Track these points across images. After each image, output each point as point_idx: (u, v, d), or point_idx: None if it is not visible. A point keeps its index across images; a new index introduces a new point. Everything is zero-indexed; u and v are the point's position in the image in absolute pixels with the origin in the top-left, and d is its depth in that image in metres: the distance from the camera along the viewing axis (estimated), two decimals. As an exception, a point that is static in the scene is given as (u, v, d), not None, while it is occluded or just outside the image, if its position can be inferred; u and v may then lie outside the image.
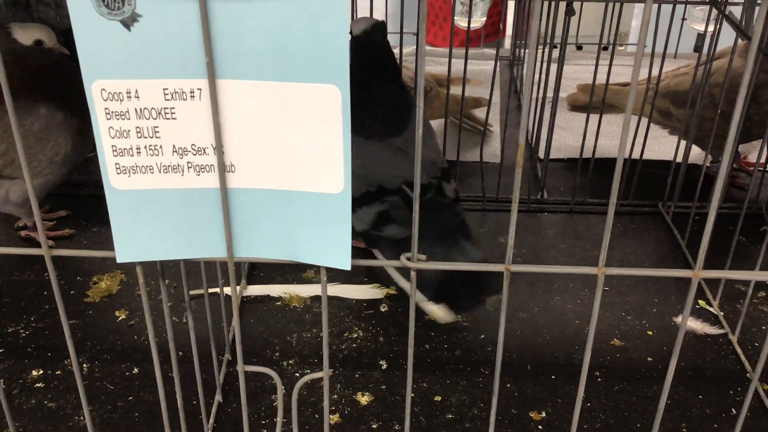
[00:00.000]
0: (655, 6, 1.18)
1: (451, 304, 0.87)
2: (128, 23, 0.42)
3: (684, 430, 0.78)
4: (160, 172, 0.47)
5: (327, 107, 0.45)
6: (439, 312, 0.87)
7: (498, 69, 1.28)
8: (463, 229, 0.87)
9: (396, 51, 1.20)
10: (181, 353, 0.84)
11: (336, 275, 1.01)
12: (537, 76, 1.20)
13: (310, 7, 0.42)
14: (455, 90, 1.18)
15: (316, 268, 1.02)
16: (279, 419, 0.61)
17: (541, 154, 1.23)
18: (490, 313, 0.94)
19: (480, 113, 1.37)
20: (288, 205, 0.49)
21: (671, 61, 1.36)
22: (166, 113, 0.45)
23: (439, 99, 1.25)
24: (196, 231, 0.50)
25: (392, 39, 1.18)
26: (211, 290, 0.86)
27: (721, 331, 0.90)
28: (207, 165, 0.47)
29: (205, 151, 0.47)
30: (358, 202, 0.89)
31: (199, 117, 0.45)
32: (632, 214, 1.16)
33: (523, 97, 1.53)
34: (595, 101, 1.20)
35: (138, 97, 0.45)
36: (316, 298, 0.96)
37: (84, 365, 0.84)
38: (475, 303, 0.89)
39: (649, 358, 0.87)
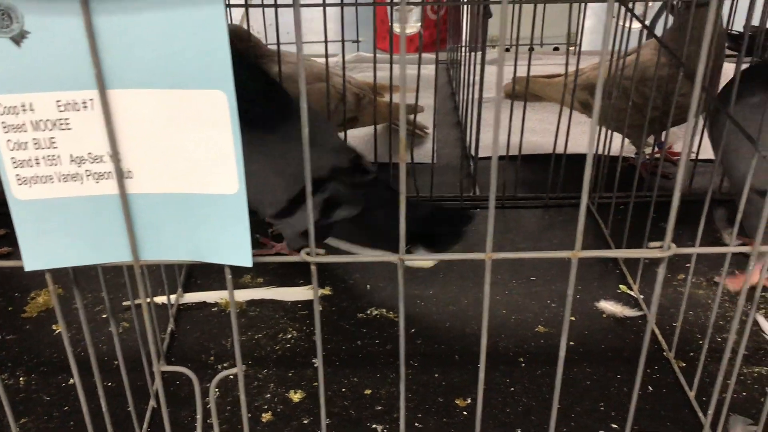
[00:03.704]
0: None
1: (433, 242, 0.90)
2: (17, 40, 0.45)
3: (602, 408, 0.81)
4: (59, 181, 0.49)
5: (215, 112, 0.48)
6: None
7: (437, 73, 1.32)
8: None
9: (337, 59, 1.24)
10: (116, 362, 0.87)
11: (272, 278, 1.03)
12: (472, 77, 1.24)
13: (190, 19, 0.44)
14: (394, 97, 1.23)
15: (252, 273, 1.04)
16: (199, 417, 0.63)
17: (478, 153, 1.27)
18: (421, 308, 0.97)
19: (415, 117, 1.41)
20: (188, 207, 0.51)
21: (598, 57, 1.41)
22: (60, 124, 0.48)
23: (372, 106, 1.28)
24: (101, 236, 0.52)
25: (334, 47, 1.22)
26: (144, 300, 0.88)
27: (640, 313, 0.94)
28: (105, 172, 0.49)
29: (102, 159, 0.49)
30: (297, 201, 0.91)
31: (93, 126, 0.48)
32: (560, 206, 1.20)
33: (459, 99, 1.57)
34: (522, 91, 1.25)
35: (33, 110, 0.47)
36: (252, 302, 0.99)
37: (21, 378, 0.86)
38: (455, 237, 0.93)
39: (572, 342, 0.91)
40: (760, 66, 0.90)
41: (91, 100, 0.47)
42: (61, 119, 0.47)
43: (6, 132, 0.48)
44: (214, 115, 0.48)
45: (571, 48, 2.40)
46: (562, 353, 0.58)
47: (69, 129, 0.48)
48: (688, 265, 0.85)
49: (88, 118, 0.47)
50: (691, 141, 0.50)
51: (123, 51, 0.45)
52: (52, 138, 0.48)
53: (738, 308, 0.61)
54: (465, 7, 1.62)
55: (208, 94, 0.47)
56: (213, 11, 0.44)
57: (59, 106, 0.47)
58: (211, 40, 0.45)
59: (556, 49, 2.18)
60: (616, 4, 1.11)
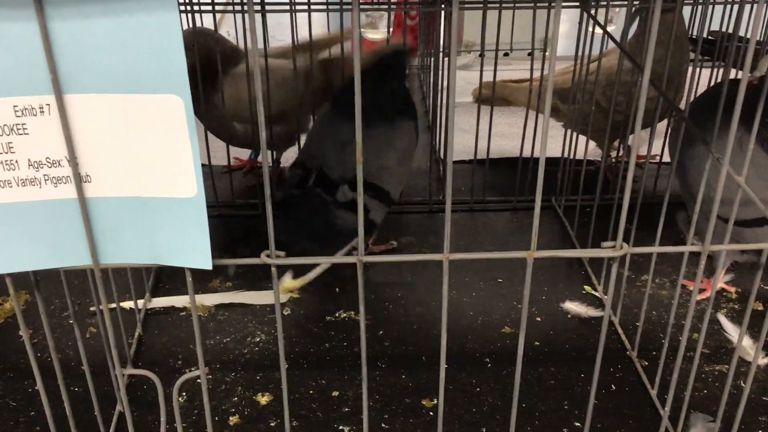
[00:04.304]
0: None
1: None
2: (-27, 46, 0.45)
3: (566, 406, 0.82)
4: (18, 185, 0.50)
5: (172, 116, 0.48)
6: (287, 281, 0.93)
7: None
8: (319, 225, 0.95)
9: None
10: (83, 367, 0.86)
11: (241, 282, 1.04)
12: (443, 82, 1.25)
13: (144, 25, 0.45)
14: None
15: (222, 278, 1.04)
16: (162, 420, 0.63)
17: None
18: (389, 311, 0.98)
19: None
20: (146, 211, 0.52)
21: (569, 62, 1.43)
22: (18, 129, 0.48)
23: (338, 64, 1.28)
24: (60, 241, 0.53)
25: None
26: (113, 305, 0.88)
27: (604, 314, 0.96)
28: (63, 176, 0.50)
29: (59, 164, 0.49)
30: (290, 166, 1.02)
31: (51, 131, 0.48)
32: (528, 209, 1.22)
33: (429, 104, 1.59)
34: (495, 96, 1.27)
35: (-11, 116, 0.47)
36: (221, 307, 0.99)
37: (-14, 385, 0.86)
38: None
39: (537, 342, 0.92)
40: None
41: (48, 105, 0.47)
42: (18, 124, 0.48)
43: (-37, 137, 0.48)
44: (170, 120, 0.48)
45: (544, 53, 2.44)
46: (520, 351, 0.59)
47: (26, 134, 0.48)
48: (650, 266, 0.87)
49: (46, 123, 0.48)
50: (650, 142, 0.52)
51: (79, 56, 0.46)
52: (10, 143, 0.48)
53: (690, 310, 0.63)
54: (439, 12, 1.63)
55: (165, 98, 0.48)
56: (167, 17, 0.45)
57: (16, 111, 0.47)
58: (166, 45, 0.46)
59: (529, 54, 2.21)
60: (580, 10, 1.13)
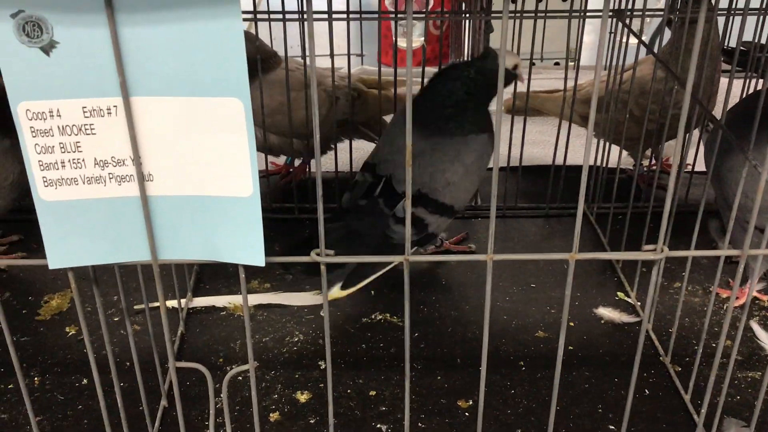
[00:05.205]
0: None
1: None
2: (47, 50, 0.47)
3: (600, 410, 0.83)
4: (83, 183, 0.52)
5: (232, 119, 0.50)
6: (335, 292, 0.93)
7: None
8: (375, 239, 0.93)
9: (344, 70, 1.27)
10: (128, 363, 0.89)
11: (279, 284, 1.06)
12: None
13: (209, 30, 0.47)
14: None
15: (260, 279, 1.07)
16: (211, 412, 0.66)
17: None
18: (424, 313, 1.00)
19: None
20: (204, 209, 0.54)
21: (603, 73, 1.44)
22: (86, 129, 0.50)
23: (367, 101, 1.31)
24: (122, 236, 0.55)
25: (339, 61, 1.25)
26: (154, 304, 0.90)
27: (637, 319, 0.97)
28: (127, 175, 0.52)
29: (124, 163, 0.52)
30: (361, 168, 1.01)
31: (117, 132, 0.50)
32: (560, 216, 1.23)
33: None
34: (523, 106, 1.28)
35: (60, 116, 0.50)
36: (260, 307, 1.01)
37: (35, 378, 0.88)
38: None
39: (570, 347, 0.93)
40: None
41: (115, 106, 0.50)
42: (86, 125, 0.50)
43: (34, 136, 0.50)
44: (230, 122, 0.50)
45: (571, 63, 2.46)
46: (560, 351, 0.60)
47: (93, 134, 0.51)
48: (684, 273, 0.88)
49: (112, 124, 0.50)
50: (682, 149, 0.53)
51: (146, 61, 0.48)
52: (78, 142, 0.51)
53: (727, 316, 0.64)
54: (467, 21, 1.65)
55: (225, 101, 0.50)
56: (231, 24, 0.47)
57: (85, 112, 0.50)
58: (229, 50, 0.48)
59: (556, 64, 2.22)
60: (614, 20, 1.15)
